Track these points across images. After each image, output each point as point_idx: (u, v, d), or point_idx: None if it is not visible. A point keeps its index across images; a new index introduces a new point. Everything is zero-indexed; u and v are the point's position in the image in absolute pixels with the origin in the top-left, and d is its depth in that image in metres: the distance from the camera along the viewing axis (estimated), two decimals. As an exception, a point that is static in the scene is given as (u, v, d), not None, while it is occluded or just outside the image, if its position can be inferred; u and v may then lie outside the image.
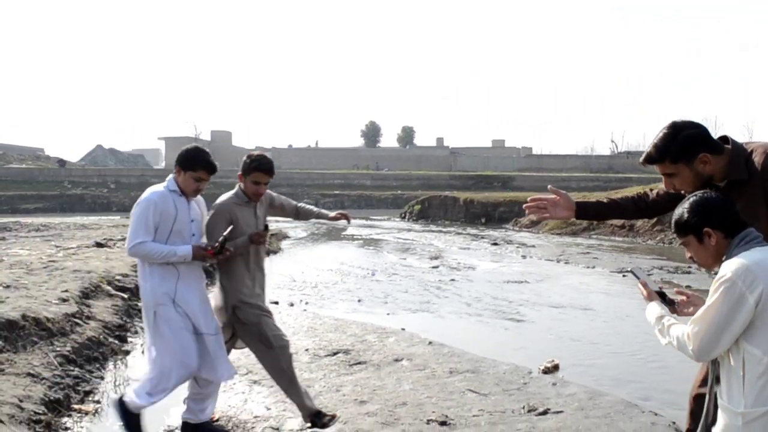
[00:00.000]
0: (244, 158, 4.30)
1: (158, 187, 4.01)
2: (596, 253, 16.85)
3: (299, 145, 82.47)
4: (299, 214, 4.86)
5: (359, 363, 6.17)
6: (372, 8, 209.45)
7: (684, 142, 2.65)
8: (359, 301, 9.81)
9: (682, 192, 3.08)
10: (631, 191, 19.98)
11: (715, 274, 2.24)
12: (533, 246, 19.14)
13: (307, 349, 6.65)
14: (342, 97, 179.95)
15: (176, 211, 3.96)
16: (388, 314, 8.83)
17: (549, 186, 3.45)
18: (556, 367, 6.12)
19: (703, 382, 2.94)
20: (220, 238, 3.98)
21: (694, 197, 2.34)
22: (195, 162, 3.98)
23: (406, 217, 35.00)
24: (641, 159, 2.86)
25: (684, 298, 2.60)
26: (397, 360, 6.30)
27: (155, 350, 3.98)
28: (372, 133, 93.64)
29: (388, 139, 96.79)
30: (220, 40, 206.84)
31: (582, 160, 72.42)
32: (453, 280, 12.11)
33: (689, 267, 13.89)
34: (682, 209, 2.36)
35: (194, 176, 3.96)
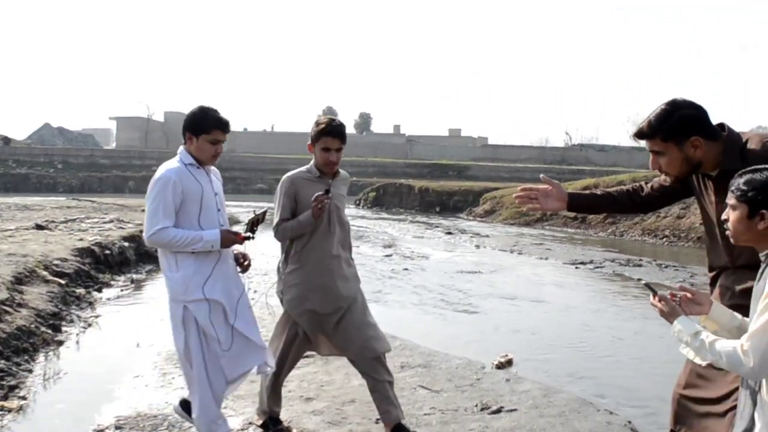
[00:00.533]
0: (314, 125, 3.86)
1: (172, 163, 3.50)
2: (549, 244, 16.88)
3: (255, 129, 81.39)
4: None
5: (306, 356, 5.92)
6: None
7: (678, 122, 2.54)
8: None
9: (674, 185, 2.91)
10: (617, 178, 19.86)
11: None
12: (487, 236, 19.11)
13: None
14: (299, 81, 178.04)
15: (201, 186, 3.48)
16: (339, 304, 8.59)
17: (542, 175, 3.24)
18: (509, 362, 5.98)
19: (687, 385, 2.83)
20: (250, 218, 3.56)
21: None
22: (206, 123, 3.49)
23: (361, 204, 34.78)
24: (632, 133, 2.72)
25: (688, 294, 2.41)
26: (346, 353, 6.08)
27: (191, 364, 3.51)
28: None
29: (346, 125, 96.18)
30: (175, 19, 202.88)
31: (537, 151, 73.06)
32: (406, 269, 11.94)
33: (640, 260, 14.04)
34: (755, 176, 2.13)
35: (209, 139, 3.49)
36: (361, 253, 14.24)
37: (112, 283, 9.58)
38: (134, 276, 10.39)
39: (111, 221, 14.73)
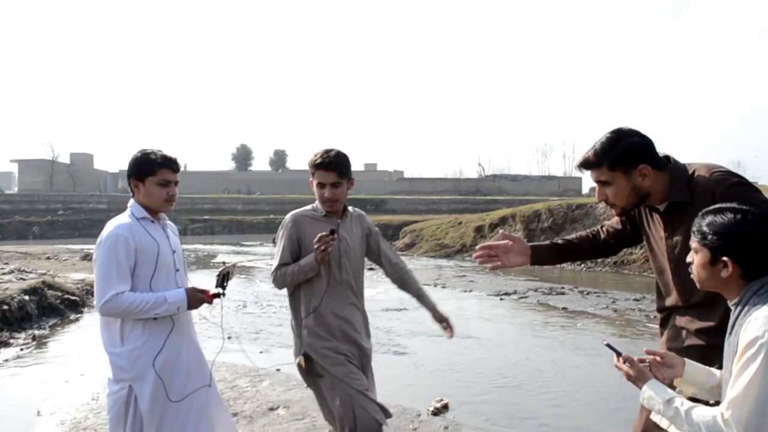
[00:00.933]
0: (310, 159, 3.47)
1: (122, 218, 3.09)
2: (472, 276, 16.82)
3: (166, 169, 79.09)
4: (396, 277, 3.79)
5: (229, 415, 5.45)
6: (241, 30, 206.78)
7: (625, 150, 2.40)
8: (229, 338, 8.99)
9: (619, 217, 2.71)
10: (533, 207, 19.88)
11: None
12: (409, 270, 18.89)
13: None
14: (212, 120, 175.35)
15: (156, 243, 3.06)
16: (261, 352, 8.10)
17: (500, 230, 3.02)
18: (445, 407, 5.68)
19: None
20: (220, 270, 3.18)
21: (738, 214, 1.91)
22: (150, 163, 3.09)
23: (279, 242, 34.04)
24: (578, 163, 2.54)
25: (656, 358, 2.17)
26: (272, 409, 5.63)
27: None
28: (243, 156, 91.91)
29: (260, 163, 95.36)
30: (77, 57, 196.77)
31: (451, 183, 74.26)
32: (330, 309, 11.50)
33: (562, 287, 14.12)
34: (715, 218, 1.94)
35: (157, 180, 3.11)
36: (282, 294, 13.64)
37: (11, 341, 8.74)
38: (36, 332, 9.53)
39: (11, 272, 13.68)
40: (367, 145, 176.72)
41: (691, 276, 2.06)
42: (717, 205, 1.97)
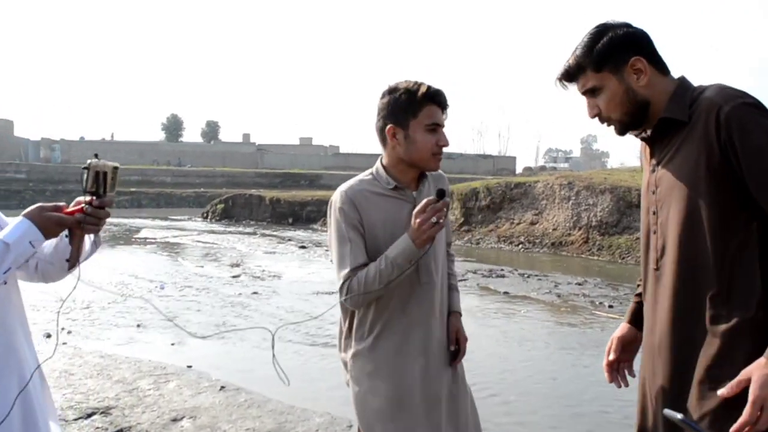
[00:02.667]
0: (390, 93, 2.31)
1: None
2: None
3: (92, 138, 75.80)
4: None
5: (120, 430, 4.53)
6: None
7: (610, 42, 1.84)
8: (138, 326, 8.00)
9: (620, 134, 1.96)
10: (471, 185, 19.28)
11: None
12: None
13: (49, 410, 4.85)
14: (141, 87, 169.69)
15: None
16: (172, 344, 7.15)
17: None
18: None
19: None
20: (87, 165, 1.90)
21: None
22: None
23: (209, 216, 32.67)
24: (558, 76, 1.93)
25: None
26: (175, 420, 4.73)
27: None
28: (174, 127, 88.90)
29: (192, 134, 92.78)
30: (9, 22, 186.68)
31: (388, 159, 73.63)
32: (255, 293, 10.59)
33: (501, 269, 13.58)
34: None
35: None
36: (205, 275, 12.70)
37: None
38: None
39: None
40: (302, 119, 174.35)
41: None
42: None
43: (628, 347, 2.12)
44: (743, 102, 1.68)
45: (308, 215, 28.46)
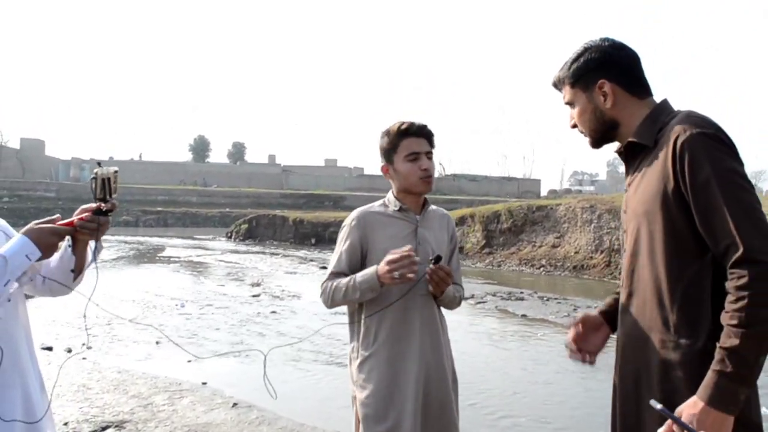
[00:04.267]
0: (381, 139, 2.68)
1: None
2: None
3: (121, 158, 76.91)
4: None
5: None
6: (203, 20, 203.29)
7: (585, 63, 1.96)
8: (157, 343, 8.13)
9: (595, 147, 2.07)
10: (492, 208, 19.26)
11: None
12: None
13: (66, 423, 4.96)
14: (169, 109, 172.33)
15: None
16: (189, 361, 7.24)
17: (566, 322, 2.37)
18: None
19: None
20: (95, 175, 2.06)
21: None
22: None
23: (233, 236, 33.02)
24: (552, 83, 2.11)
25: None
26: (187, 435, 4.82)
27: None
28: (201, 147, 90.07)
29: (218, 155, 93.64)
30: (30, 39, 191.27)
31: (412, 181, 73.69)
32: (274, 312, 10.70)
33: (521, 292, 13.53)
34: None
35: None
36: (226, 294, 12.85)
37: None
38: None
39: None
40: (327, 140, 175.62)
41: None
42: None
43: (591, 333, 2.18)
44: (700, 132, 1.70)
45: (331, 236, 28.59)
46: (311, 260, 21.07)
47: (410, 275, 2.37)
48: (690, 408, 1.61)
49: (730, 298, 1.60)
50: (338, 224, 22.30)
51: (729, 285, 1.61)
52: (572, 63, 1.98)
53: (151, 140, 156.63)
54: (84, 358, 7.11)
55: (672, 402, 1.65)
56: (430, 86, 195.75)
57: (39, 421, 2.22)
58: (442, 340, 2.64)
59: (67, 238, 2.14)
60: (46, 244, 2.02)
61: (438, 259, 2.46)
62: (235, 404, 5.54)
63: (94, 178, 2.07)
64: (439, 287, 2.52)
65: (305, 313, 10.64)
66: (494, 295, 13.19)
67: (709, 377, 1.61)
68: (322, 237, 28.87)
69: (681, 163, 1.70)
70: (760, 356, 1.59)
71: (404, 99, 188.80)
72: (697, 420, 1.59)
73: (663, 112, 1.90)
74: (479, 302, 12.21)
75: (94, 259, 2.24)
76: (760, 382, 1.69)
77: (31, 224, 2.05)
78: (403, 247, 2.41)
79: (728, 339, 1.58)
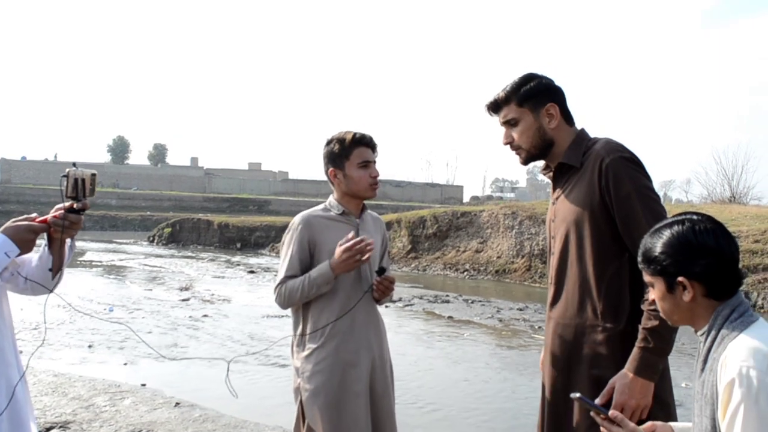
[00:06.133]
0: (327, 145, 2.85)
1: None
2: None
3: (35, 158, 74.04)
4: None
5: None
6: (122, 15, 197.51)
7: (536, 86, 2.31)
8: (90, 346, 8.12)
9: (524, 165, 2.45)
10: (418, 213, 19.51)
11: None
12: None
13: (7, 424, 4.99)
14: (86, 107, 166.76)
15: None
16: (125, 364, 7.30)
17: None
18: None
19: None
20: (66, 173, 2.15)
21: (675, 226, 1.62)
22: None
23: (155, 240, 32.41)
24: (486, 104, 2.39)
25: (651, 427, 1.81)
26: (132, 434, 4.95)
27: None
28: (120, 148, 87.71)
29: (138, 156, 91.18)
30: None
31: (337, 185, 73.92)
32: (206, 315, 10.77)
33: (447, 295, 13.99)
34: (653, 239, 1.66)
35: None
36: (155, 298, 12.78)
37: None
38: None
39: None
40: (251, 143, 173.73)
41: (572, 260, 2.17)
42: (654, 227, 1.69)
43: None
44: (621, 156, 2.16)
45: (257, 240, 28.53)
46: (238, 264, 21.02)
47: (366, 257, 2.65)
48: (621, 379, 2.02)
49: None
50: (264, 228, 22.39)
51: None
52: (520, 86, 2.30)
53: (67, 140, 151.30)
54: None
55: (604, 374, 2.07)
56: (355, 91, 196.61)
57: (22, 413, 2.40)
58: (383, 334, 2.89)
59: (44, 237, 2.33)
60: (22, 240, 2.16)
61: (382, 270, 2.76)
62: (177, 403, 5.68)
63: (65, 176, 2.20)
64: (384, 295, 2.80)
65: (237, 316, 10.75)
66: (421, 298, 13.60)
67: (635, 353, 2.02)
68: (247, 241, 28.75)
69: (606, 180, 2.13)
70: (672, 333, 2.02)
71: (329, 103, 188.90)
72: (628, 388, 2.00)
73: (584, 138, 2.32)
74: (407, 305, 12.58)
75: (71, 255, 2.41)
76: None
77: (8, 222, 2.20)
78: (348, 235, 2.67)
79: (648, 321, 2.01)
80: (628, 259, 2.13)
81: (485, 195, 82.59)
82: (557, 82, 2.37)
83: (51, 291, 2.50)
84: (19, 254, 2.21)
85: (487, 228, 20.09)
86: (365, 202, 2.95)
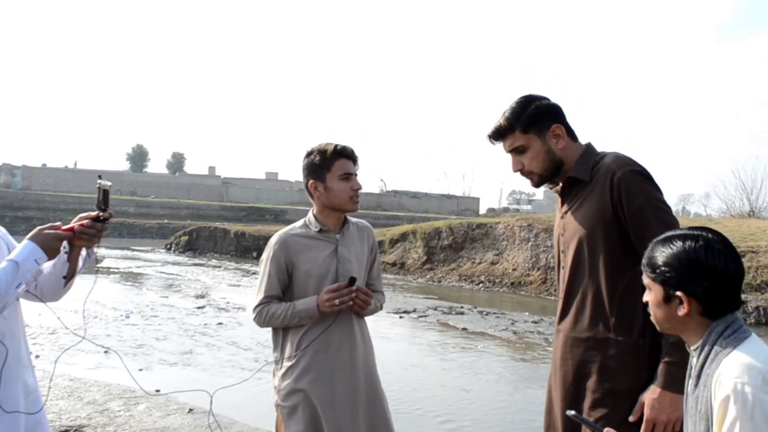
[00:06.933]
0: (308, 156, 2.80)
1: None
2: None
3: (55, 165, 74.91)
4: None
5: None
6: (142, 25, 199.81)
7: (536, 110, 2.30)
8: (106, 352, 8.19)
9: (535, 186, 2.46)
10: (434, 224, 19.51)
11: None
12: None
13: (23, 427, 5.05)
14: (106, 116, 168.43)
15: None
16: (140, 370, 7.37)
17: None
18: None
19: None
20: (98, 186, 2.29)
21: (689, 240, 1.62)
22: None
23: (172, 248, 32.64)
24: (488, 134, 2.37)
25: None
26: (145, 439, 4.99)
27: None
28: (139, 157, 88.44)
29: (157, 165, 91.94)
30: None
31: (353, 196, 74.08)
32: (220, 323, 10.83)
33: (461, 307, 13.96)
34: (663, 248, 1.65)
35: None
36: (171, 305, 12.88)
37: None
38: None
39: None
40: (268, 153, 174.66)
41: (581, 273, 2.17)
42: (666, 234, 1.69)
43: None
44: (632, 169, 2.17)
45: (273, 249, 28.59)
46: (254, 273, 21.10)
47: (350, 303, 2.64)
48: (650, 394, 2.03)
49: None
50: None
51: None
52: (520, 113, 2.29)
53: (87, 148, 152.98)
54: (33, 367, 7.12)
55: (612, 391, 2.10)
56: (372, 102, 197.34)
57: (38, 413, 2.45)
58: (363, 349, 2.79)
59: (65, 244, 2.38)
60: (51, 248, 2.24)
61: (352, 281, 2.64)
62: (191, 410, 5.72)
63: (98, 187, 2.31)
64: (361, 308, 2.72)
65: (251, 324, 10.75)
66: (435, 309, 13.58)
67: (661, 368, 2.03)
68: (263, 250, 28.80)
69: (618, 194, 2.13)
70: None
71: (345, 114, 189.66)
72: (657, 402, 2.00)
73: (592, 153, 2.32)
74: (421, 316, 12.58)
75: (86, 264, 2.47)
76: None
77: (36, 230, 2.27)
78: (337, 284, 2.64)
79: (669, 335, 1.98)
80: (640, 272, 2.13)
81: (502, 207, 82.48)
82: (568, 99, 2.44)
83: (61, 297, 2.57)
84: (46, 261, 2.28)
85: (502, 240, 20.04)
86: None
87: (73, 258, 2.39)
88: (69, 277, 2.45)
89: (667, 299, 1.62)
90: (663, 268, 1.62)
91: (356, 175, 2.81)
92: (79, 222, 2.30)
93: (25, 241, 2.26)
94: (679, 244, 1.62)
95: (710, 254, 1.57)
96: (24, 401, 2.38)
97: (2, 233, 2.48)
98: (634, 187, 2.13)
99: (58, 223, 2.35)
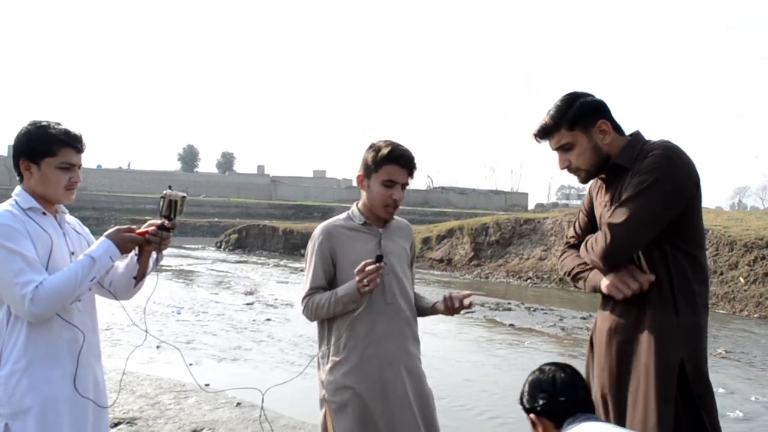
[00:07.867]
0: (368, 149, 2.77)
1: (4, 206, 2.37)
2: (418, 288, 16.37)
3: (109, 166, 76.97)
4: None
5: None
6: (192, 29, 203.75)
7: (581, 107, 2.30)
8: (158, 347, 8.38)
9: (583, 183, 2.45)
10: (481, 220, 19.65)
11: None
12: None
13: (79, 419, 5.22)
14: (158, 118, 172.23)
15: (50, 238, 2.38)
16: (191, 364, 7.52)
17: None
18: None
19: None
20: (164, 194, 2.45)
21: (536, 370, 2.20)
22: (49, 141, 2.38)
23: (222, 246, 33.21)
24: (534, 133, 2.39)
25: None
26: (195, 431, 5.10)
27: None
28: (190, 157, 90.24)
29: (207, 165, 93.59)
30: (22, 43, 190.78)
31: (400, 193, 74.14)
32: (269, 319, 10.98)
33: (509, 303, 13.86)
34: (532, 376, 2.20)
35: (57, 164, 2.39)
36: (220, 302, 13.11)
37: None
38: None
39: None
40: (316, 151, 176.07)
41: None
42: (539, 367, 2.14)
43: None
44: (669, 147, 2.17)
45: (320, 247, 28.82)
46: (302, 270, 21.22)
47: (378, 280, 2.57)
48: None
49: None
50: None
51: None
52: (565, 110, 2.29)
53: (139, 149, 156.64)
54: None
55: (668, 364, 2.10)
56: (420, 98, 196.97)
57: (107, 408, 2.56)
58: (411, 344, 2.80)
59: (135, 247, 2.51)
60: (125, 248, 2.44)
61: (379, 258, 2.57)
62: (238, 403, 5.83)
63: (162, 197, 2.45)
64: (371, 286, 2.59)
65: (299, 321, 10.91)
66: (482, 305, 13.51)
67: None
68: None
69: (642, 162, 2.18)
70: None
71: (394, 111, 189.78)
72: None
73: (639, 140, 2.31)
74: (468, 312, 12.47)
75: (155, 267, 2.62)
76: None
77: (113, 229, 2.44)
78: (363, 262, 2.58)
79: None
80: (687, 253, 2.16)
81: (550, 202, 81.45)
82: (602, 96, 2.36)
83: (132, 295, 2.72)
84: (119, 259, 2.45)
85: (550, 235, 19.81)
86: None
87: (143, 260, 2.56)
88: (139, 278, 2.60)
89: (533, 427, 2.16)
90: (522, 401, 2.19)
91: (405, 185, 2.74)
92: (146, 228, 2.45)
93: (102, 238, 2.42)
94: (530, 376, 2.22)
95: (547, 372, 2.21)
96: (93, 391, 2.47)
97: (86, 233, 2.63)
98: (656, 164, 2.13)
99: (134, 226, 2.51)
